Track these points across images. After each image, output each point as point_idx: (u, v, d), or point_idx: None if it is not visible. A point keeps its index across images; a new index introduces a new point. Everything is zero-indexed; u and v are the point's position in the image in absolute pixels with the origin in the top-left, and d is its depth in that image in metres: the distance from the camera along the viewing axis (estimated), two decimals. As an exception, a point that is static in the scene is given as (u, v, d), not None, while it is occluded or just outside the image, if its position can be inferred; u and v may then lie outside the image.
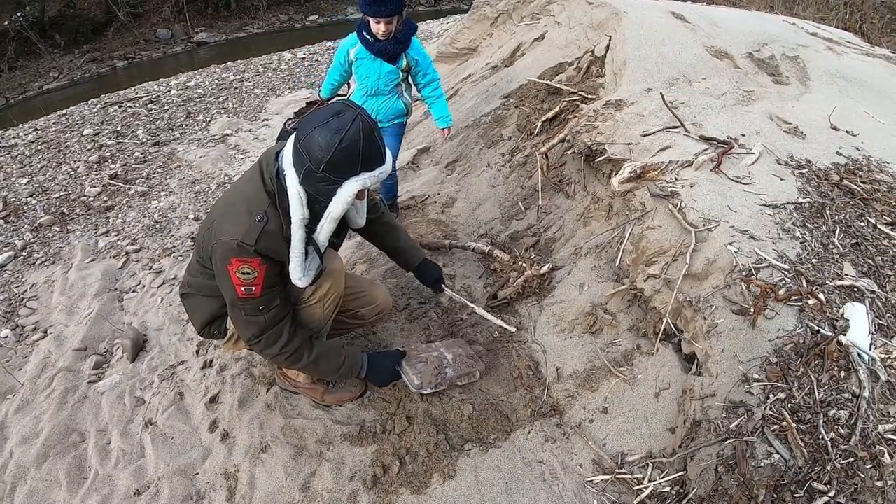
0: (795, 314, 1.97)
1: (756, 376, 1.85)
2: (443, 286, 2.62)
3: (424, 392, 2.23)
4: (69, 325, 3.37)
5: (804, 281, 2.06)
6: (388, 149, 3.49)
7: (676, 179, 2.58)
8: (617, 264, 2.56)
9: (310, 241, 1.91)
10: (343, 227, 2.14)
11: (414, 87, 3.48)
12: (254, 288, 1.85)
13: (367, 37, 3.13)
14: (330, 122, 1.71)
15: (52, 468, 2.41)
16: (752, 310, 1.97)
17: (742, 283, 2.04)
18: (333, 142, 1.69)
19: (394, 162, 3.73)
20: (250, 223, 1.80)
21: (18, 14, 12.53)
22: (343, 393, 2.37)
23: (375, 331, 2.76)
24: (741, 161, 2.73)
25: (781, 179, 2.63)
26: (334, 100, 2.79)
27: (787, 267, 2.10)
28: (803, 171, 2.72)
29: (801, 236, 2.28)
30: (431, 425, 2.19)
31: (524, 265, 2.87)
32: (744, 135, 2.95)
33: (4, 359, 3.17)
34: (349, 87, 3.52)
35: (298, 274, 1.92)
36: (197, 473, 2.26)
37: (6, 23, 12.18)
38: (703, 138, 2.86)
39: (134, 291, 3.66)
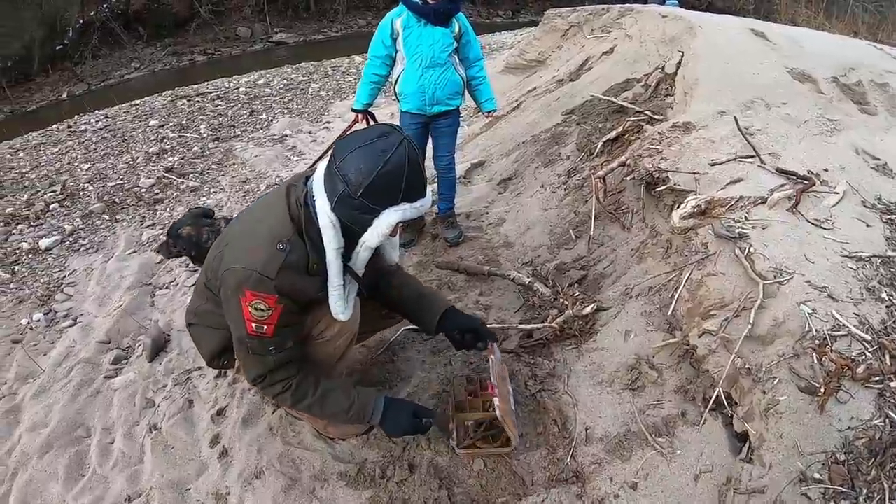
0: (874, 399, 1.63)
1: (817, 475, 1.52)
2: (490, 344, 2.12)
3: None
4: (98, 316, 3.37)
5: (888, 357, 1.70)
6: (445, 147, 3.37)
7: (747, 219, 2.25)
8: (670, 312, 2.24)
9: (346, 269, 1.76)
10: (373, 263, 1.94)
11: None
12: (265, 327, 1.68)
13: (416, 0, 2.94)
14: (374, 143, 1.54)
15: (53, 460, 2.39)
16: (823, 389, 1.63)
17: (814, 354, 1.71)
18: (376, 165, 1.52)
19: (453, 163, 3.54)
20: (271, 252, 1.64)
21: (104, 5, 13.26)
22: (348, 427, 2.15)
23: (395, 359, 2.56)
24: (822, 201, 2.38)
25: (868, 225, 2.26)
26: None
27: (869, 337, 1.75)
28: (893, 216, 2.35)
29: (887, 298, 1.91)
30: (435, 478, 1.95)
31: (565, 303, 2.60)
32: (826, 170, 2.59)
33: (32, 342, 3.20)
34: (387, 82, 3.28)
35: (341, 308, 1.80)
36: (189, 489, 2.15)
37: (92, 13, 12.91)
38: (781, 171, 2.51)
39: (167, 288, 3.62)
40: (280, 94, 8.13)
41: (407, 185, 1.56)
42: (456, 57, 3.15)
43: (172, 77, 12.43)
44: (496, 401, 1.89)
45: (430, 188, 1.90)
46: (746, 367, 1.80)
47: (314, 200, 1.66)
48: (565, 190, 3.61)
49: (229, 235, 1.82)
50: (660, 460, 1.87)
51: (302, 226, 1.67)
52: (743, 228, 2.20)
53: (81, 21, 12.97)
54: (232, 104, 7.60)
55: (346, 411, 1.89)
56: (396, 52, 3.10)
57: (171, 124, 6.76)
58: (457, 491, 1.94)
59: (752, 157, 2.63)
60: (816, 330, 1.77)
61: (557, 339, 2.48)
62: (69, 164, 5.64)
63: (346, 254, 1.74)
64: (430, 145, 3.47)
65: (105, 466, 2.34)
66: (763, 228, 2.19)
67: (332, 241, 1.66)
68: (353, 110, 3.36)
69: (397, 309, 2.22)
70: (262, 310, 1.64)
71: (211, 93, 8.16)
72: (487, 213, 3.89)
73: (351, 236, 1.69)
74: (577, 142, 3.95)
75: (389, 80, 3.23)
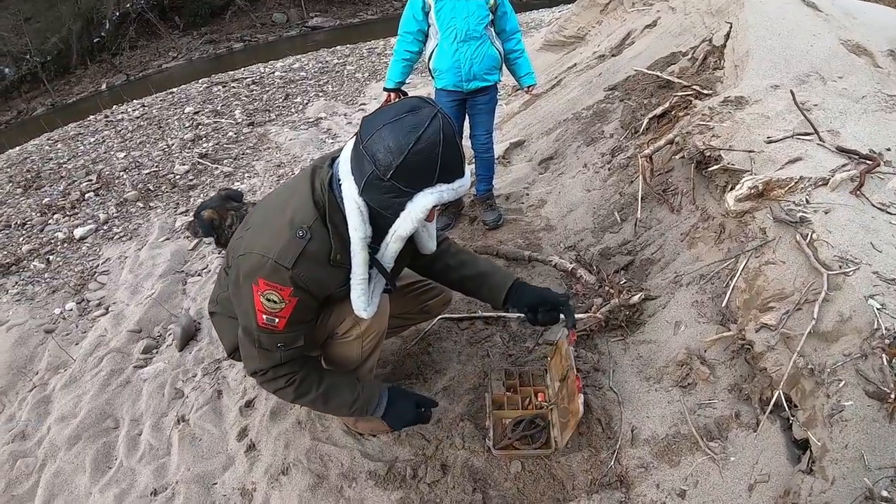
0: (953, 408, 1.43)
1: (885, 493, 1.35)
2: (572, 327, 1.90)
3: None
4: (130, 305, 3.37)
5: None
6: (483, 125, 3.23)
7: (807, 202, 2.05)
8: (724, 304, 2.06)
9: (373, 262, 1.60)
10: (407, 253, 1.77)
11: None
12: (277, 320, 1.55)
13: None
14: (403, 118, 1.37)
15: (81, 452, 2.38)
16: (893, 395, 1.45)
17: (883, 355, 1.52)
18: (407, 143, 1.35)
19: (492, 142, 3.39)
20: (289, 238, 1.49)
21: (140, -4, 13.49)
22: (378, 422, 2.01)
23: (430, 350, 2.45)
24: (887, 183, 2.17)
25: (935, 210, 2.04)
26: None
27: (946, 337, 1.55)
28: (959, 201, 2.10)
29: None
30: (469, 480, 1.83)
31: (611, 291, 2.44)
32: (889, 149, 2.37)
33: (65, 331, 3.22)
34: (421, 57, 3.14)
35: (363, 304, 1.63)
36: (215, 483, 2.11)
37: (128, 5, 13.12)
38: (842, 150, 2.30)
39: (199, 275, 3.60)
40: (315, 77, 8.09)
41: (443, 164, 1.39)
42: (492, 29, 2.99)
43: (209, 65, 12.56)
44: (581, 397, 1.75)
45: (469, 168, 1.77)
46: (809, 366, 1.63)
47: (340, 184, 1.50)
48: (609, 170, 3.43)
49: (251, 220, 1.71)
50: (711, 467, 1.71)
51: (325, 211, 1.53)
52: (804, 212, 2.00)
53: (117, 13, 13.21)
54: (267, 89, 7.59)
55: (349, 406, 1.78)
56: (429, 26, 2.96)
57: (206, 111, 6.79)
58: (492, 494, 1.82)
59: (810, 134, 2.42)
60: (886, 328, 1.57)
61: (602, 330, 2.33)
62: (105, 153, 5.71)
63: (374, 245, 1.60)
64: (466, 125, 3.33)
65: (132, 458, 2.32)
66: (826, 213, 1.99)
67: (358, 228, 1.49)
68: (385, 89, 3.23)
69: (458, 289, 2.07)
70: (275, 301, 1.52)
71: (246, 78, 8.18)
72: (528, 195, 3.75)
73: (379, 225, 1.55)
74: (620, 119, 3.77)
75: (423, 56, 3.10)
